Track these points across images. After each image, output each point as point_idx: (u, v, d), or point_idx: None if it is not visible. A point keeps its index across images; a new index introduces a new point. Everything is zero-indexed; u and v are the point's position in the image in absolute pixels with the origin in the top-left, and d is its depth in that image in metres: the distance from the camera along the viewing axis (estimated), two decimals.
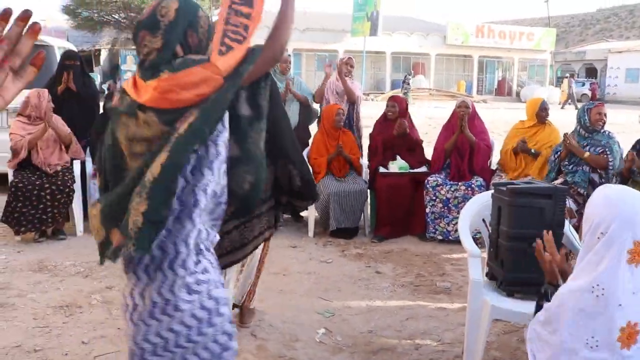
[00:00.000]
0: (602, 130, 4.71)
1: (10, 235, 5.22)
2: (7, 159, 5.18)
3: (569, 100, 28.71)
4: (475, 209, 3.36)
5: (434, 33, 36.31)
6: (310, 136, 6.18)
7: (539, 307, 2.02)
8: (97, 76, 27.39)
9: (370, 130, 5.97)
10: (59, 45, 7.51)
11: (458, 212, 5.03)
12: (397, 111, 5.76)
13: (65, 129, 5.25)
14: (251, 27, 1.90)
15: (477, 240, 3.70)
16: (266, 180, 2.31)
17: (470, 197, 4.77)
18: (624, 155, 4.68)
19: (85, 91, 5.88)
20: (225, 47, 1.85)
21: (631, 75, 37.81)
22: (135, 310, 1.91)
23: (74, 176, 5.24)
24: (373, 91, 33.01)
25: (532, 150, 5.28)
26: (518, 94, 36.05)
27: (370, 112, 10.57)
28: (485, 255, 3.29)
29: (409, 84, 27.91)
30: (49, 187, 5.01)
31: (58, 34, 29.79)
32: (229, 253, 2.89)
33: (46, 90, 5.24)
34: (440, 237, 5.38)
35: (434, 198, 5.35)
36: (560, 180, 4.71)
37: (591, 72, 43.77)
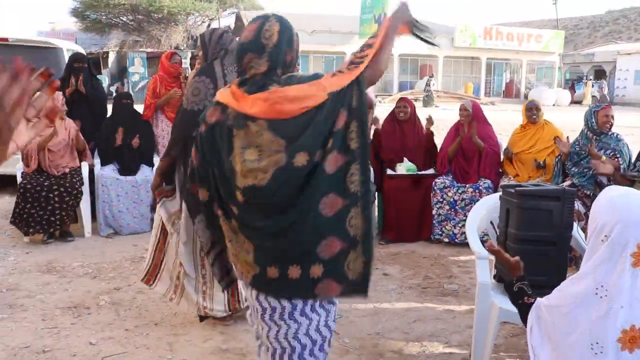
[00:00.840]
0: (610, 133, 4.69)
1: (18, 237, 5.25)
2: (16, 160, 5.22)
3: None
4: (483, 211, 3.35)
5: (442, 35, 36.26)
6: None
7: (521, 306, 2.02)
8: (105, 78, 27.52)
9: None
10: (67, 48, 7.54)
11: (464, 215, 5.02)
12: (408, 112, 5.76)
13: (73, 134, 5.29)
14: (369, 55, 2.03)
15: (485, 243, 3.69)
16: None
17: (478, 200, 4.76)
18: (633, 158, 4.65)
19: (93, 94, 5.91)
20: (338, 72, 2.00)
21: None
22: (270, 312, 1.98)
23: (82, 178, 5.27)
24: (381, 93, 32.97)
25: (540, 163, 5.25)
26: (526, 96, 35.89)
27: (377, 114, 10.53)
28: (492, 257, 3.28)
29: (430, 86, 27.98)
30: (57, 188, 5.03)
31: (66, 37, 29.97)
32: None
33: (60, 93, 5.27)
34: (446, 240, 5.37)
35: (441, 200, 5.34)
36: (568, 182, 4.69)
37: (600, 74, 43.57)
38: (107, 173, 5.51)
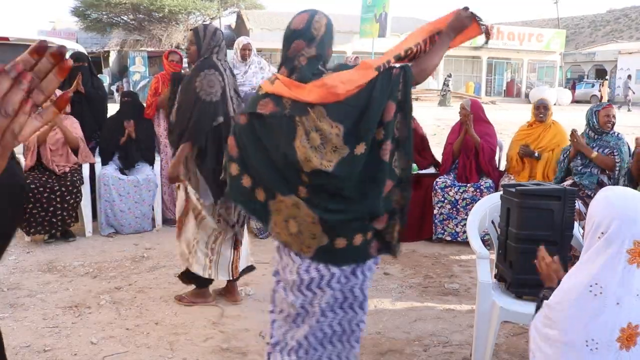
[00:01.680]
0: (611, 132, 4.68)
1: (20, 236, 5.26)
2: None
3: (629, 103, 28.61)
4: (484, 211, 3.35)
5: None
6: None
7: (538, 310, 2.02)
8: (106, 78, 27.53)
9: None
10: (68, 47, 7.54)
11: (466, 214, 5.02)
12: None
13: (75, 133, 5.27)
14: (414, 52, 2.28)
15: (486, 242, 3.69)
16: None
17: (479, 199, 4.76)
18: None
19: (94, 93, 5.91)
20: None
21: None
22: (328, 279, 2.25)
23: (82, 177, 5.27)
24: None
25: (536, 154, 5.25)
26: (527, 95, 35.89)
27: None
28: (493, 256, 3.28)
29: (448, 85, 27.99)
30: (58, 188, 5.03)
31: (67, 36, 30.01)
32: None
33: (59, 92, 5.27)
34: (448, 238, 5.37)
35: (443, 199, 5.34)
36: (569, 181, 4.69)
37: (601, 73, 43.53)
38: (109, 172, 5.51)
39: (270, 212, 2.24)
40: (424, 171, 5.64)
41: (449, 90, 27.69)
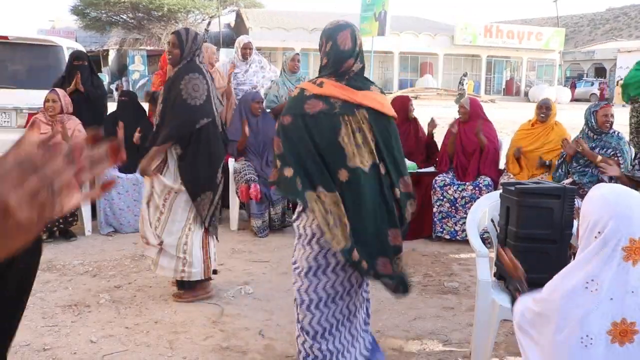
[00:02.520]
0: (610, 131, 4.67)
1: None
2: None
3: None
4: (483, 209, 3.35)
5: (442, 33, 36.23)
6: None
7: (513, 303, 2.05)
8: (105, 77, 27.50)
9: None
10: (68, 46, 7.53)
11: (465, 212, 5.02)
12: (412, 110, 5.82)
13: (78, 137, 5.26)
14: None
15: (485, 240, 3.68)
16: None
17: (478, 197, 4.76)
18: (634, 156, 4.64)
19: (94, 92, 5.91)
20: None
21: None
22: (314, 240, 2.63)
23: None
24: None
25: (546, 163, 5.23)
26: (526, 94, 35.92)
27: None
28: (493, 255, 3.28)
29: (463, 84, 28.03)
30: None
31: (67, 35, 29.98)
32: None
33: (66, 95, 5.27)
34: (447, 237, 5.37)
35: (442, 198, 5.34)
36: (569, 180, 4.68)
37: (600, 71, 43.53)
38: (108, 172, 5.50)
39: (307, 200, 2.51)
40: (423, 170, 5.64)
41: (464, 90, 27.75)
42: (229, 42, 30.85)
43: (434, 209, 5.38)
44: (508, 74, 39.74)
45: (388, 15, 29.28)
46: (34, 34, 11.85)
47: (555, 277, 1.85)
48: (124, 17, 34.38)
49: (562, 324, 1.73)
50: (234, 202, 5.71)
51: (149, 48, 31.45)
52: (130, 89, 22.17)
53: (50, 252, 4.89)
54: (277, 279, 4.39)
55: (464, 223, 4.34)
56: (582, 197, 4.44)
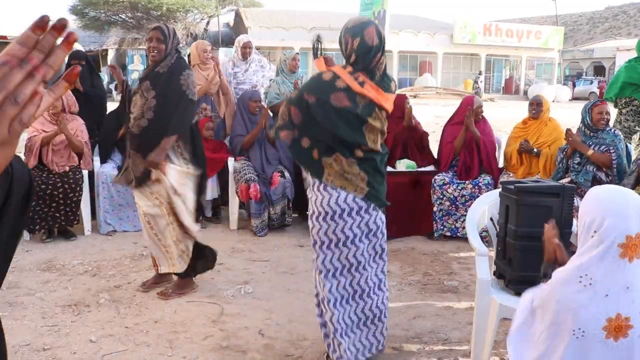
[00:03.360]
0: (607, 129, 4.68)
1: None
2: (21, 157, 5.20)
3: None
4: (483, 208, 3.35)
5: (441, 32, 36.23)
6: None
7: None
8: (104, 76, 27.46)
9: None
10: None
11: (465, 210, 5.02)
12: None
13: (81, 136, 5.25)
14: None
15: (485, 239, 3.68)
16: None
17: (477, 196, 4.75)
18: (632, 153, 4.64)
19: (93, 91, 5.90)
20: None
21: None
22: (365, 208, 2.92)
23: (82, 175, 5.26)
24: None
25: (534, 150, 5.25)
26: (526, 93, 35.91)
27: None
28: (492, 253, 3.28)
29: (478, 82, 28.05)
30: (61, 185, 5.03)
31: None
32: None
33: (69, 95, 5.26)
34: (448, 234, 5.38)
35: (441, 197, 5.34)
36: (568, 179, 4.69)
37: (599, 70, 43.53)
38: (107, 170, 5.50)
39: (324, 167, 2.81)
40: (422, 169, 5.64)
41: (479, 88, 27.79)
42: (228, 42, 30.83)
43: (435, 208, 5.38)
44: (507, 72, 39.73)
45: (387, 14, 29.30)
46: None
47: (554, 273, 1.87)
48: (123, 17, 34.34)
49: (557, 316, 1.76)
50: (234, 201, 5.70)
51: None
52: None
53: (50, 252, 4.89)
54: (277, 278, 4.39)
55: (464, 220, 4.34)
56: (580, 196, 4.47)
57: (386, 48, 2.84)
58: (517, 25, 39.50)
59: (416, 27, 35.74)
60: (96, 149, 5.73)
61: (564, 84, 37.58)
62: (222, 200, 6.05)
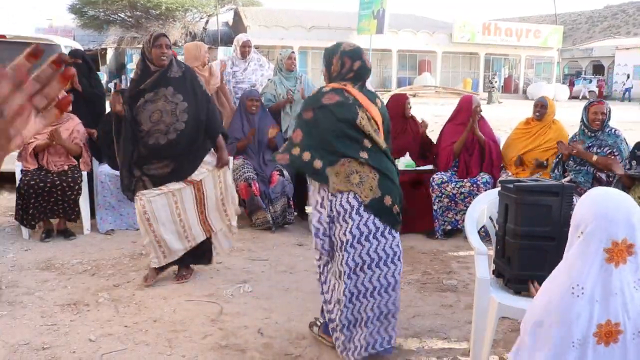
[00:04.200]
0: (607, 130, 4.66)
1: (18, 234, 5.25)
2: (14, 158, 5.20)
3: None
4: (482, 206, 3.35)
5: (440, 31, 36.22)
6: None
7: None
8: (103, 75, 27.45)
9: None
10: (65, 45, 7.52)
11: (465, 205, 5.03)
12: (410, 108, 5.80)
13: (77, 139, 5.24)
14: None
15: (484, 238, 3.68)
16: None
17: (476, 193, 4.76)
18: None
19: (91, 91, 5.89)
20: None
21: (639, 72, 37.52)
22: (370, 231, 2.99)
23: (81, 174, 5.25)
24: (379, 89, 32.96)
25: (544, 163, 5.21)
26: (525, 92, 35.93)
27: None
28: (492, 252, 3.28)
29: (493, 83, 28.09)
30: (59, 183, 5.04)
31: (64, 33, 29.92)
32: None
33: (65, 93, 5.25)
34: (449, 227, 5.38)
35: (440, 195, 5.34)
36: (566, 178, 4.68)
37: (598, 69, 43.54)
38: (106, 170, 5.50)
39: (328, 175, 2.93)
40: (421, 167, 5.63)
41: (493, 87, 27.84)
42: (227, 41, 30.83)
43: (435, 206, 5.37)
44: (506, 71, 39.73)
45: (386, 13, 29.31)
46: (31, 32, 11.82)
47: (545, 282, 1.86)
48: (122, 16, 34.32)
49: (554, 329, 1.74)
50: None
51: None
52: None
53: (49, 251, 4.89)
54: (276, 277, 4.39)
55: (464, 214, 4.34)
56: (580, 195, 4.46)
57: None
58: (516, 24, 39.46)
59: (415, 26, 35.73)
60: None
61: (563, 83, 37.59)
62: None
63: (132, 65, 29.95)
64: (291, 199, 5.59)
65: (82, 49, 7.13)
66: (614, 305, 1.68)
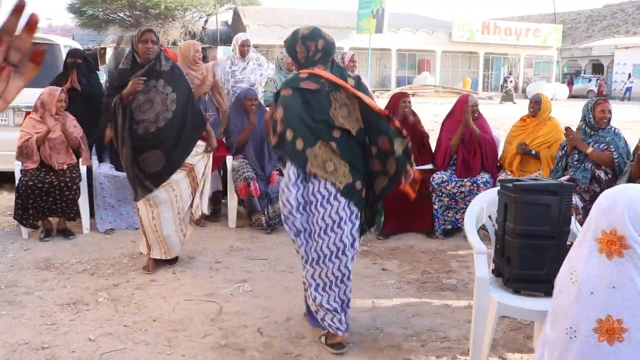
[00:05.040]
0: (607, 127, 4.67)
1: (17, 234, 5.25)
2: (13, 157, 5.19)
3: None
4: (482, 206, 3.35)
5: (440, 30, 36.22)
6: None
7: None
8: (102, 74, 27.41)
9: None
10: (65, 44, 7.51)
11: (465, 204, 5.02)
12: (410, 106, 5.76)
13: (74, 133, 5.25)
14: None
15: (484, 237, 3.68)
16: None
17: (476, 193, 4.76)
18: (631, 152, 4.64)
19: (91, 90, 5.87)
20: None
21: (638, 71, 37.53)
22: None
23: (80, 174, 5.25)
24: (379, 88, 32.96)
25: (532, 151, 5.25)
26: (524, 91, 35.94)
27: None
28: (491, 251, 3.28)
29: (508, 83, 28.16)
30: (57, 184, 5.03)
31: (64, 33, 29.90)
32: None
33: (60, 89, 5.24)
34: (450, 227, 5.38)
35: (440, 194, 5.34)
36: (566, 177, 4.69)
37: (598, 68, 43.55)
38: (105, 170, 5.49)
39: (307, 158, 3.05)
40: (421, 167, 5.62)
41: (508, 87, 27.92)
42: (226, 40, 30.81)
43: (435, 206, 5.37)
44: (506, 70, 39.73)
45: (386, 12, 29.30)
46: None
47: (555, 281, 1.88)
48: (121, 15, 34.31)
49: (558, 316, 1.76)
50: (232, 200, 5.70)
51: None
52: None
53: (49, 251, 4.89)
54: (276, 277, 4.39)
55: (465, 212, 4.34)
56: (578, 193, 4.47)
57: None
58: (515, 24, 39.45)
59: (414, 26, 35.73)
60: (94, 148, 5.72)
61: (562, 82, 37.59)
62: (223, 194, 6.03)
63: None
64: None
65: (82, 49, 7.12)
66: (613, 300, 1.65)
